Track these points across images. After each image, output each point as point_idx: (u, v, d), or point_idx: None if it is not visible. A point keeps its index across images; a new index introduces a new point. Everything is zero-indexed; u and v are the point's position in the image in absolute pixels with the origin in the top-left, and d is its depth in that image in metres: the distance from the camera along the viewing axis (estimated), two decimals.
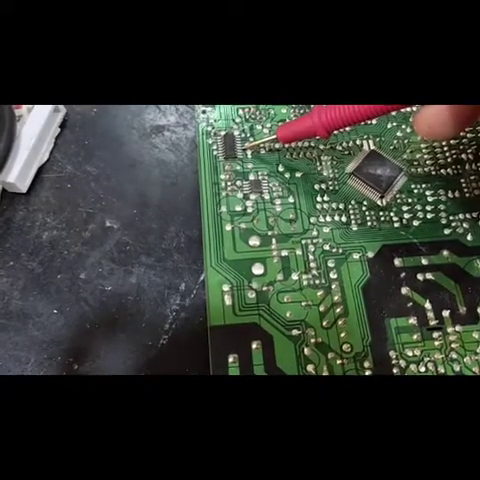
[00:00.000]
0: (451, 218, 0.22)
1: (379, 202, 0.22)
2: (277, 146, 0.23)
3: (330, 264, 0.21)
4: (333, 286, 0.20)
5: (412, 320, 0.20)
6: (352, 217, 0.22)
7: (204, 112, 0.24)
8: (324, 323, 0.20)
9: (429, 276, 0.21)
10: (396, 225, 0.22)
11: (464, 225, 0.22)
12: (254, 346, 0.19)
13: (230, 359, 0.19)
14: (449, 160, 0.23)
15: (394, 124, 0.24)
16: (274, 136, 0.22)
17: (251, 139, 0.23)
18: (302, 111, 0.24)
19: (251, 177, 0.22)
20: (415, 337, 0.19)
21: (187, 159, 0.24)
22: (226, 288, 0.20)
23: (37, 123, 0.22)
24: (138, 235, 0.22)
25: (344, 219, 0.22)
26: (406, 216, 0.22)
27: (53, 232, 0.22)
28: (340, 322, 0.20)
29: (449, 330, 0.20)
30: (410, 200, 0.22)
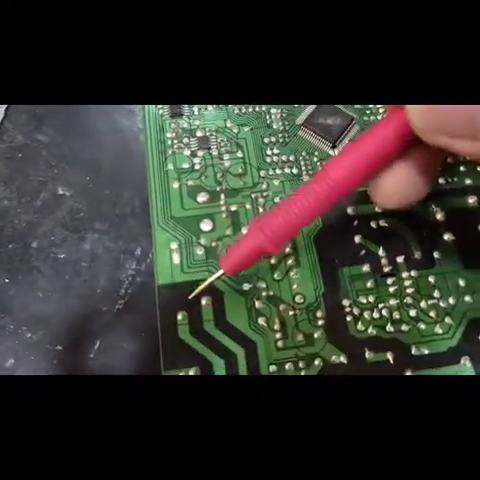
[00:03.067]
0: None
1: (331, 152, 0.21)
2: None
3: None
4: None
5: (366, 268, 0.19)
6: (303, 168, 0.21)
7: None
8: (275, 275, 0.19)
9: (383, 223, 0.20)
10: None
11: None
12: (204, 302, 0.19)
13: (179, 317, 0.18)
14: None
15: None
16: (221, 271, 0.18)
17: None
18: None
19: (198, 134, 0.22)
20: (369, 284, 0.19)
21: (141, 124, 0.24)
22: (174, 246, 0.20)
23: None
24: (91, 202, 0.22)
25: (295, 171, 0.21)
26: None
27: (4, 202, 0.22)
28: (292, 273, 0.19)
29: (404, 275, 0.19)
30: None
